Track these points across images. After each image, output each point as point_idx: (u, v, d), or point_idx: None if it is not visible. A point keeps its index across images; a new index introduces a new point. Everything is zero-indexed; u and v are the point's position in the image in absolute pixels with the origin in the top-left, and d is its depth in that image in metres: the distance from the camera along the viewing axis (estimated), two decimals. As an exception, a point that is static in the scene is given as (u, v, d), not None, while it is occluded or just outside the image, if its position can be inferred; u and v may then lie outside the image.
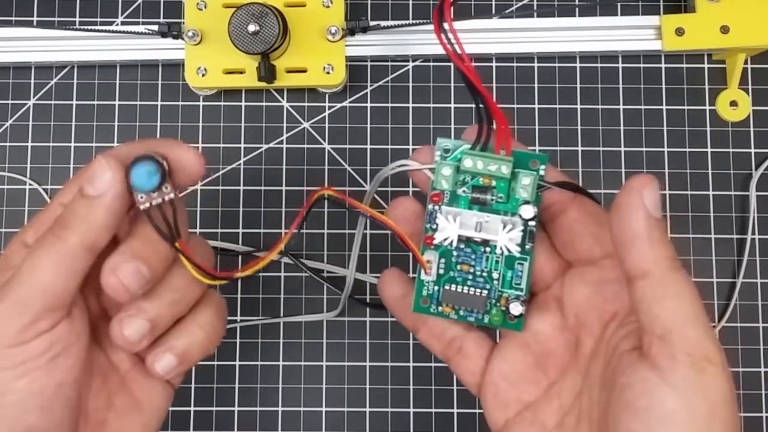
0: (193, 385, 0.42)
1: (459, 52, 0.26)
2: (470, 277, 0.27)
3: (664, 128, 0.44)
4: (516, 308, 0.27)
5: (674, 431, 0.22)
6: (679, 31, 0.41)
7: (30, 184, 0.43)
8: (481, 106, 0.26)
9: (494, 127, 0.27)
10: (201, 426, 0.42)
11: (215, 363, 0.42)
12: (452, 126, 0.44)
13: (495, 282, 0.27)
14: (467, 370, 0.28)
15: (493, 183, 0.27)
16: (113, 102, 0.44)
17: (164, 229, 0.25)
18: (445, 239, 0.27)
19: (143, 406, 0.28)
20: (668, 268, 0.23)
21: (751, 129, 0.44)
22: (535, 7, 0.45)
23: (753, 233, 0.43)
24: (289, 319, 0.43)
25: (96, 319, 0.27)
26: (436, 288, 0.28)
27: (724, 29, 0.41)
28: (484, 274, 0.27)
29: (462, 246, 0.27)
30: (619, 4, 0.44)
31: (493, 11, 0.45)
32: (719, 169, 0.44)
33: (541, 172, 0.27)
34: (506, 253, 0.27)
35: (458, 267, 0.27)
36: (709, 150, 0.44)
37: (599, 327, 0.26)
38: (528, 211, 0.26)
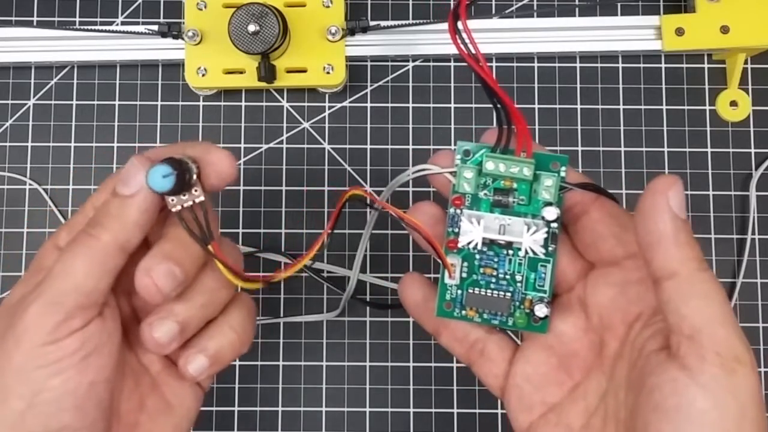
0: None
1: (474, 53, 0.25)
2: (493, 280, 0.27)
3: (664, 128, 0.44)
4: (541, 310, 0.27)
5: (705, 431, 0.22)
6: (679, 31, 0.41)
7: (30, 184, 0.43)
8: (498, 107, 0.26)
9: (513, 128, 0.26)
10: (201, 426, 0.42)
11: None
12: (452, 126, 0.44)
13: (518, 284, 0.27)
14: (490, 373, 0.28)
15: (515, 185, 0.27)
16: (113, 102, 0.44)
17: (196, 231, 0.25)
18: (470, 242, 0.27)
19: (174, 408, 0.28)
20: (695, 268, 0.23)
21: (751, 129, 0.44)
22: (535, 7, 0.45)
23: (753, 233, 0.43)
24: (289, 319, 0.43)
25: (127, 321, 0.28)
26: (460, 292, 0.27)
27: (724, 29, 0.41)
28: (507, 276, 0.27)
29: (485, 249, 0.27)
30: (619, 4, 0.44)
31: (493, 11, 0.45)
32: (719, 169, 0.44)
33: (563, 174, 0.27)
34: (531, 255, 0.27)
35: (481, 270, 0.27)
36: (709, 150, 0.44)
37: (623, 328, 0.26)
38: (551, 213, 0.26)
